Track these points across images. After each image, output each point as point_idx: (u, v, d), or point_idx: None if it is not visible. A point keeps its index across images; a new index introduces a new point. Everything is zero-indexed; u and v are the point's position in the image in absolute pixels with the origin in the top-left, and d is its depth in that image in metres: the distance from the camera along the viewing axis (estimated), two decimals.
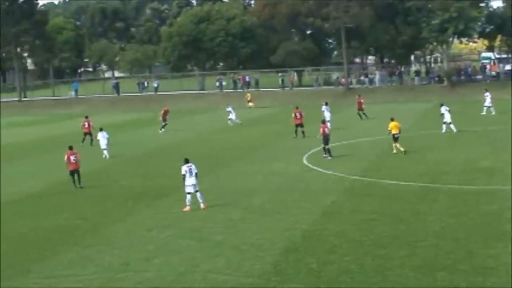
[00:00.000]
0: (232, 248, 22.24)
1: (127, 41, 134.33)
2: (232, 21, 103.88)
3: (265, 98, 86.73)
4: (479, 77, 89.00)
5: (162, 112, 59.35)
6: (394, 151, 40.30)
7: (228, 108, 62.48)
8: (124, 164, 42.15)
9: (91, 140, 50.48)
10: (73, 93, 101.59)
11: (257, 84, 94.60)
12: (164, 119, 58.57)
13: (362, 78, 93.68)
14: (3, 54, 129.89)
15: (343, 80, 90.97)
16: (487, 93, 61.43)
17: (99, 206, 29.74)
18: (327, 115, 54.60)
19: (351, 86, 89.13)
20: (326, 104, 57.59)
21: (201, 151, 44.82)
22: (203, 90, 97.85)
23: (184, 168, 27.93)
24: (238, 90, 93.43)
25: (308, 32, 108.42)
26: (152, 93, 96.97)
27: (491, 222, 24.01)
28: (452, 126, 47.99)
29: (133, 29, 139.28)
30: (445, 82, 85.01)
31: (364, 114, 60.74)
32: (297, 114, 50.32)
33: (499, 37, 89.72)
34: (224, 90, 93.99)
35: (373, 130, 51.61)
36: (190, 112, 76.94)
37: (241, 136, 52.68)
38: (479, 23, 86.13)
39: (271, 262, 20.51)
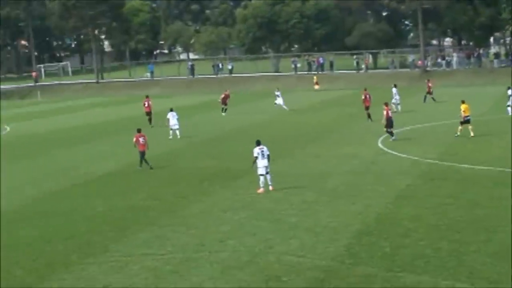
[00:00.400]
0: (306, 230, 22.35)
1: (202, 23, 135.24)
2: (307, 3, 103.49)
3: (340, 80, 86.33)
4: None
5: (223, 96, 59.82)
6: (458, 133, 40.02)
7: (276, 92, 61.64)
8: (198, 145, 42.61)
9: (150, 120, 51.49)
10: (148, 74, 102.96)
11: (331, 66, 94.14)
12: (224, 103, 59.06)
13: (439, 60, 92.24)
14: (82, 37, 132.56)
15: (419, 62, 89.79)
16: None
17: (174, 186, 30.20)
18: (397, 97, 54.95)
19: (427, 68, 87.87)
20: (395, 86, 56.97)
21: (275, 134, 44.95)
22: (278, 72, 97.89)
23: (256, 150, 28.15)
24: (313, 72, 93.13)
25: (384, 13, 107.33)
26: (227, 75, 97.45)
27: None
28: None
29: (208, 11, 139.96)
30: None
31: (432, 98, 59.92)
32: (367, 96, 50.17)
33: None
34: (298, 72, 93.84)
35: (450, 113, 50.81)
36: (264, 95, 77.09)
37: (315, 119, 52.62)
38: None
39: (344, 245, 20.55)
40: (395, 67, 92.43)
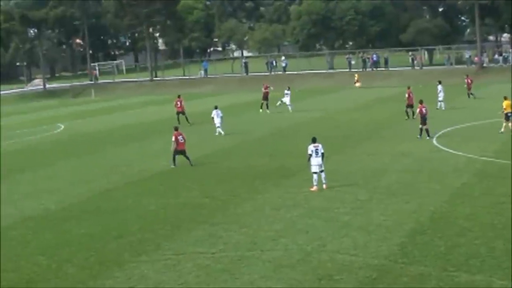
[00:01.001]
0: (358, 228, 22.25)
1: (256, 21, 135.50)
2: None
3: (394, 77, 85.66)
4: None
5: (263, 92, 59.93)
6: (502, 130, 39.68)
7: (287, 90, 59.70)
8: (251, 143, 42.69)
9: (186, 118, 51.87)
10: (202, 72, 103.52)
11: (386, 63, 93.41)
12: (265, 98, 59.07)
13: (496, 56, 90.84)
14: (136, 35, 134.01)
15: (476, 58, 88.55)
16: None
17: (226, 184, 30.31)
18: (441, 95, 54.62)
19: (484, 65, 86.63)
20: (440, 83, 56.24)
21: (329, 131, 44.79)
22: (332, 69, 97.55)
23: (311, 148, 28.09)
24: (368, 69, 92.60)
25: (440, 9, 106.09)
26: (280, 72, 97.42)
27: None
28: None
29: (262, 8, 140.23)
30: None
31: (471, 94, 60.40)
32: (410, 94, 49.37)
33: None
34: (353, 69, 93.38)
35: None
36: (319, 92, 76.95)
37: (369, 116, 52.30)
38: None
39: (397, 244, 20.40)
40: (451, 64, 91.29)
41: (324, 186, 28.10)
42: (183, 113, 53.39)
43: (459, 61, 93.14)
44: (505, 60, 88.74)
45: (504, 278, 17.27)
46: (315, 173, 28.02)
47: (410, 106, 48.62)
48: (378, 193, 27.03)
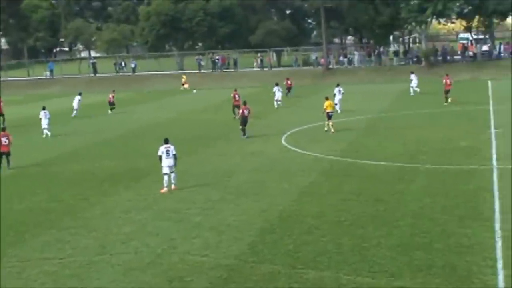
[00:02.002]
0: (209, 229, 22.31)
1: (103, 21, 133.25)
2: (211, 1, 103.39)
3: (244, 78, 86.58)
4: (457, 57, 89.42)
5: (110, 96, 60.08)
6: (326, 128, 41.96)
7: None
8: (100, 145, 41.97)
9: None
10: (48, 73, 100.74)
11: (235, 64, 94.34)
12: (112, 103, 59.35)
13: (341, 58, 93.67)
14: None
15: (322, 60, 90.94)
16: (413, 75, 64.26)
17: (74, 188, 29.62)
18: (278, 95, 57.80)
19: (330, 66, 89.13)
20: (277, 84, 59.19)
21: (180, 132, 44.73)
22: (182, 70, 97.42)
23: (161, 149, 27.99)
24: (217, 70, 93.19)
25: (288, 11, 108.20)
26: (130, 74, 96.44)
27: (468, 201, 24.25)
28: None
29: (110, 8, 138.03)
30: (423, 63, 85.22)
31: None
32: (236, 96, 51.22)
33: (476, 18, 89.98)
34: (203, 70, 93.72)
35: (352, 110, 51.72)
36: (169, 93, 76.67)
37: (221, 117, 52.61)
38: (457, 4, 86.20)
39: (248, 243, 20.60)
40: (298, 65, 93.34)
41: (173, 187, 28.02)
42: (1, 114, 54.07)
43: (306, 63, 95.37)
44: (350, 61, 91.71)
45: (351, 273, 17.77)
46: (166, 174, 27.91)
47: (237, 106, 49.34)
48: (229, 193, 27.22)
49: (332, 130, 41.40)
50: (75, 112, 55.46)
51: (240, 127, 41.28)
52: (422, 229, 21.17)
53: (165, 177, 27.91)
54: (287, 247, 20.11)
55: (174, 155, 27.98)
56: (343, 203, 24.78)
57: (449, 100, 53.78)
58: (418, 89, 62.56)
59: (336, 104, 49.38)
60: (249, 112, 41.58)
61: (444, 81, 55.91)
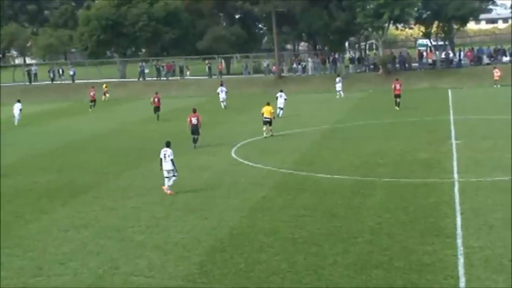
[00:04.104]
0: (154, 248, 22.15)
1: (40, 25, 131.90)
2: (155, 4, 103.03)
3: (191, 86, 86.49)
4: (415, 64, 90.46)
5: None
6: (265, 134, 44.57)
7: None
8: (36, 158, 41.44)
9: None
10: None
11: (181, 71, 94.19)
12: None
13: (294, 65, 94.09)
14: None
15: (273, 67, 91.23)
16: (339, 78, 71.82)
17: (8, 205, 29.16)
18: (222, 96, 63.29)
19: (282, 74, 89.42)
20: (222, 84, 65.28)
21: (122, 144, 44.48)
22: (124, 78, 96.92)
23: (162, 152, 29.66)
24: (162, 78, 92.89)
25: (237, 16, 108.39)
26: (69, 82, 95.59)
27: (428, 216, 24.47)
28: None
29: (46, 12, 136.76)
30: (380, 70, 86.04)
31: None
32: (156, 99, 58.42)
33: (435, 24, 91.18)
34: (147, 78, 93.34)
35: (305, 120, 51.99)
36: (111, 102, 76.10)
37: (165, 128, 52.41)
38: (416, 9, 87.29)
39: (196, 263, 20.50)
40: (249, 73, 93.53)
41: (168, 191, 29.39)
42: None
43: (257, 70, 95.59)
44: (304, 69, 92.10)
45: None
46: (166, 177, 29.47)
47: (157, 108, 58.21)
48: (175, 210, 27.08)
49: (265, 134, 44.52)
50: (17, 120, 57.32)
51: (192, 136, 42.08)
52: (381, 246, 21.30)
53: (166, 181, 29.53)
54: (238, 266, 20.05)
55: (172, 159, 29.30)
56: (297, 219, 24.81)
57: (398, 106, 56.38)
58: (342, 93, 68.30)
59: (281, 108, 54.39)
60: (197, 120, 41.69)
61: (393, 85, 58.24)
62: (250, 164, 36.10)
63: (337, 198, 27.67)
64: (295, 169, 33.99)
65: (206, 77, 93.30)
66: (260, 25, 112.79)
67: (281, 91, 56.41)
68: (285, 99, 55.19)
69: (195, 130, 41.86)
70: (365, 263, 19.81)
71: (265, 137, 44.29)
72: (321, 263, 19.99)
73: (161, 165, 29.70)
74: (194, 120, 41.81)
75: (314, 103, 64.12)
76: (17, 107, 58.04)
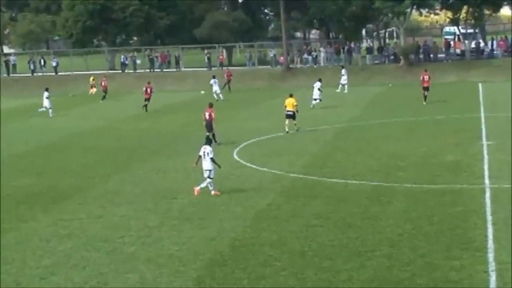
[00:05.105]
0: (146, 261, 22.18)
1: (19, 10, 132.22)
2: None
3: (188, 79, 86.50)
4: (441, 55, 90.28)
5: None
6: (287, 129, 45.59)
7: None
8: (14, 159, 41.48)
9: None
10: None
11: (177, 62, 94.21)
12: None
13: (305, 56, 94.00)
14: None
15: (281, 58, 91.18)
16: (344, 70, 73.21)
17: None
18: (216, 88, 66.27)
19: (291, 65, 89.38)
20: (214, 77, 67.84)
21: (110, 143, 44.51)
22: (113, 69, 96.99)
23: (201, 150, 30.59)
24: (156, 70, 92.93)
25: (240, 0, 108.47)
26: (52, 73, 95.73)
27: (455, 227, 24.42)
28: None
29: None
30: (402, 62, 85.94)
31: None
32: (148, 89, 61.58)
33: (464, 9, 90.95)
34: (138, 70, 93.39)
35: (316, 118, 51.99)
36: (97, 97, 76.18)
37: (159, 126, 52.49)
38: None
39: (193, 278, 20.53)
40: (253, 64, 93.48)
41: (212, 192, 30.18)
42: None
43: (262, 61, 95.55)
44: (315, 60, 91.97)
45: None
46: (209, 177, 30.27)
47: (148, 99, 60.99)
48: (169, 218, 27.10)
49: (287, 129, 45.51)
50: (51, 111, 60.46)
51: (207, 134, 41.35)
52: (402, 260, 21.28)
53: (207, 180, 30.28)
54: (241, 282, 20.07)
55: (211, 158, 30.11)
56: (306, 230, 24.81)
57: (425, 99, 57.49)
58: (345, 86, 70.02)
59: (315, 99, 57.20)
60: (209, 115, 42.38)
61: (421, 77, 59.10)
62: (254, 167, 36.10)
63: (352, 206, 27.64)
64: (305, 173, 33.98)
65: (205, 69, 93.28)
66: (266, 10, 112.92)
67: (319, 80, 58.88)
68: (319, 89, 57.49)
69: (208, 126, 42.33)
70: (384, 279, 19.79)
71: (287, 132, 45.43)
72: (334, 279, 19.98)
73: (196, 163, 30.75)
74: (207, 115, 42.51)
75: (326, 98, 64.01)
76: (45, 96, 61.30)
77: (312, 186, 31.59)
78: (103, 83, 74.00)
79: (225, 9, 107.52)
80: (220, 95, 67.49)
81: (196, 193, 29.99)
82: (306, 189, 31.01)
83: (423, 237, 23.54)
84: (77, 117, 60.16)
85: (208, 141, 31.35)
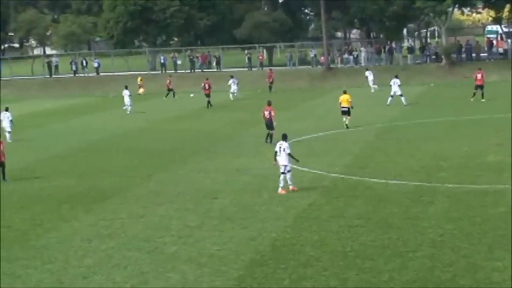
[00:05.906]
0: (188, 261, 22.23)
1: (61, 11, 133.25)
2: None
3: (228, 79, 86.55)
4: (484, 54, 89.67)
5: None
6: (346, 123, 47.38)
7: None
8: (57, 160, 41.84)
9: None
10: None
11: (218, 63, 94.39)
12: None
13: (345, 56, 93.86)
14: None
15: (321, 58, 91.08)
16: (369, 71, 74.72)
17: (25, 211, 29.50)
18: (234, 88, 67.83)
19: (331, 65, 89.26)
20: (232, 77, 69.48)
21: (151, 144, 44.68)
22: (154, 70, 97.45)
23: (277, 145, 30.93)
24: (197, 70, 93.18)
25: (280, 0, 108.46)
26: (93, 74, 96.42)
27: (497, 228, 24.22)
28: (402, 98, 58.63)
29: None
30: (443, 61, 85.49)
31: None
32: (206, 85, 64.00)
33: (507, 7, 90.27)
34: (179, 71, 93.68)
35: (357, 118, 51.82)
36: (138, 97, 76.59)
37: (200, 126, 52.62)
38: None
39: (234, 278, 20.53)
40: (293, 64, 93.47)
41: (290, 187, 30.54)
42: None
43: (303, 61, 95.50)
44: (355, 60, 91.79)
45: None
46: (282, 173, 30.48)
47: (208, 95, 63.54)
48: (210, 218, 27.15)
49: (346, 123, 47.22)
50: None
51: (269, 132, 42.98)
52: (443, 261, 21.15)
53: (281, 177, 30.49)
54: (282, 282, 20.05)
55: (289, 153, 30.47)
56: (348, 230, 24.74)
57: (482, 96, 58.82)
58: (376, 86, 70.76)
59: (391, 96, 58.97)
60: (269, 114, 42.95)
61: (474, 75, 60.76)
62: (295, 167, 36.01)
63: (393, 207, 27.53)
64: (346, 173, 33.90)
65: (246, 69, 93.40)
66: (306, 10, 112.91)
67: (396, 76, 60.65)
68: (398, 85, 59.01)
69: (269, 124, 42.80)
70: (425, 280, 19.68)
71: (347, 127, 47.07)
72: (375, 279, 19.91)
73: (275, 160, 30.85)
74: (266, 114, 43.00)
75: (367, 98, 63.88)
76: (125, 94, 63.18)
77: (353, 186, 31.52)
78: (167, 82, 76.27)
79: (265, 9, 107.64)
80: (236, 95, 69.71)
81: (291, 188, 30.61)
82: (347, 189, 30.93)
83: (465, 237, 23.38)
84: (118, 118, 60.48)
85: (284, 137, 31.30)
